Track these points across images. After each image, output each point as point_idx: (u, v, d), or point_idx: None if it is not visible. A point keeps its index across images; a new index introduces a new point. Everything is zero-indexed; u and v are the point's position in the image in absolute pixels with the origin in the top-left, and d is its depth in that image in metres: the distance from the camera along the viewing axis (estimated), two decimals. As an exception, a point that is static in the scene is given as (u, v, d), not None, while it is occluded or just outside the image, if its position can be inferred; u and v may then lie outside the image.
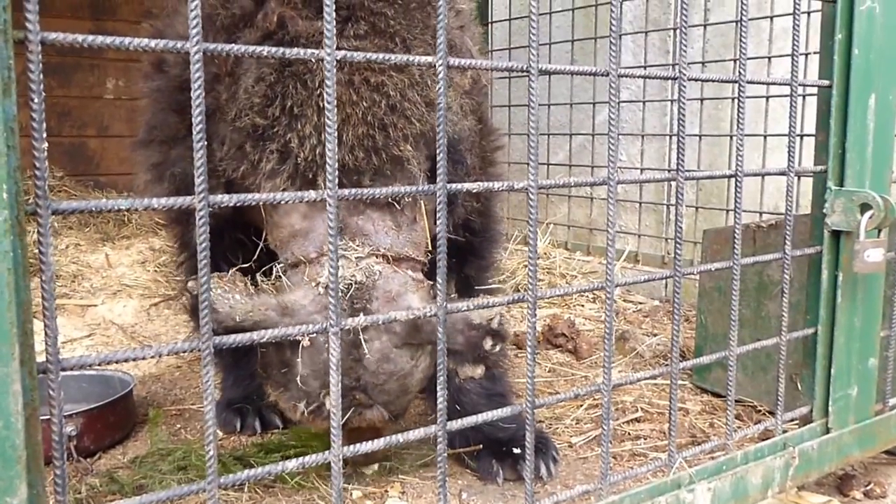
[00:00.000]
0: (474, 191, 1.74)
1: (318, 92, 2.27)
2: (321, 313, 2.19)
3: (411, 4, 2.39)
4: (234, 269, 2.33)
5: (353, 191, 1.53)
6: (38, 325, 1.27)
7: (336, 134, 1.44)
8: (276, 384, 2.35)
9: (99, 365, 1.30)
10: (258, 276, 2.38)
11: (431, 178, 2.46)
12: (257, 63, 2.32)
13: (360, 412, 2.31)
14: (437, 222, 1.60)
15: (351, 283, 2.23)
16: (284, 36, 2.29)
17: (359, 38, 2.31)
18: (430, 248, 2.47)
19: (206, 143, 1.29)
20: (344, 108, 2.28)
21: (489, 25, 6.78)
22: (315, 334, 1.56)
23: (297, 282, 2.27)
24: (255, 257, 2.50)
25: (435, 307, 1.65)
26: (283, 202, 1.46)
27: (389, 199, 2.36)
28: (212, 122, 2.48)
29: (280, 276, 2.34)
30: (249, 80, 2.32)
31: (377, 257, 2.30)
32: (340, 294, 2.20)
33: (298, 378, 2.25)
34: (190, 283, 2.23)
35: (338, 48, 2.20)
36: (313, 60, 2.18)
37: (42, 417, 1.25)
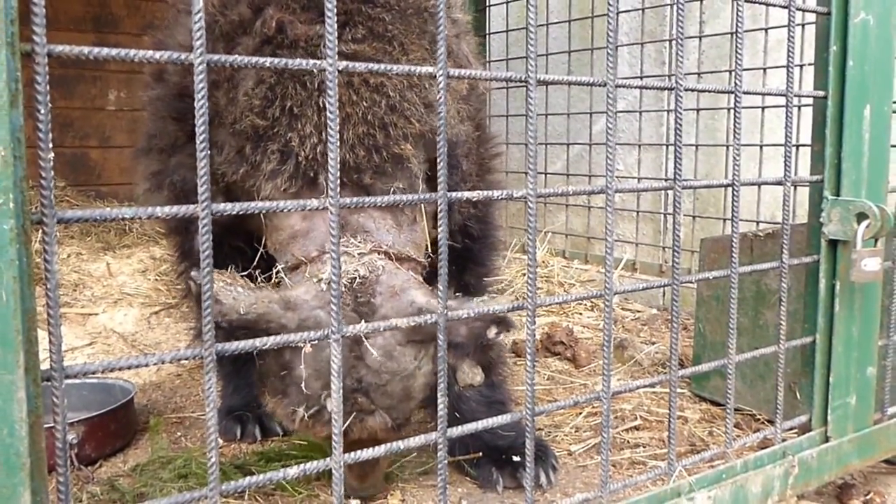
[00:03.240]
0: (474, 199, 1.74)
1: (318, 92, 2.28)
2: (324, 308, 2.14)
3: (408, 10, 2.41)
4: (232, 268, 2.31)
5: (355, 199, 1.54)
6: (40, 334, 1.27)
7: (338, 142, 1.45)
8: (275, 391, 2.29)
9: (102, 372, 1.30)
10: (259, 279, 2.37)
11: (430, 179, 2.47)
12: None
13: (361, 419, 2.24)
14: (439, 229, 1.60)
15: (354, 278, 2.20)
16: (283, 40, 2.30)
17: (356, 41, 2.32)
18: (429, 251, 2.46)
19: (209, 151, 1.30)
20: (344, 108, 2.29)
21: (487, 37, 6.79)
22: (317, 339, 1.54)
23: (299, 281, 2.25)
24: (255, 264, 2.49)
25: (436, 313, 1.65)
26: (284, 209, 1.45)
27: None
28: (210, 127, 2.48)
29: (281, 279, 2.32)
30: (249, 84, 2.33)
31: (379, 254, 2.29)
32: (344, 288, 2.19)
33: (299, 380, 2.19)
34: (194, 273, 2.15)
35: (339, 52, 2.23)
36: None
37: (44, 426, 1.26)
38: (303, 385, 2.18)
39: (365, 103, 2.31)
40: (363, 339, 2.18)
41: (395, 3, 2.41)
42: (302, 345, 2.13)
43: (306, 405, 2.21)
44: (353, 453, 1.57)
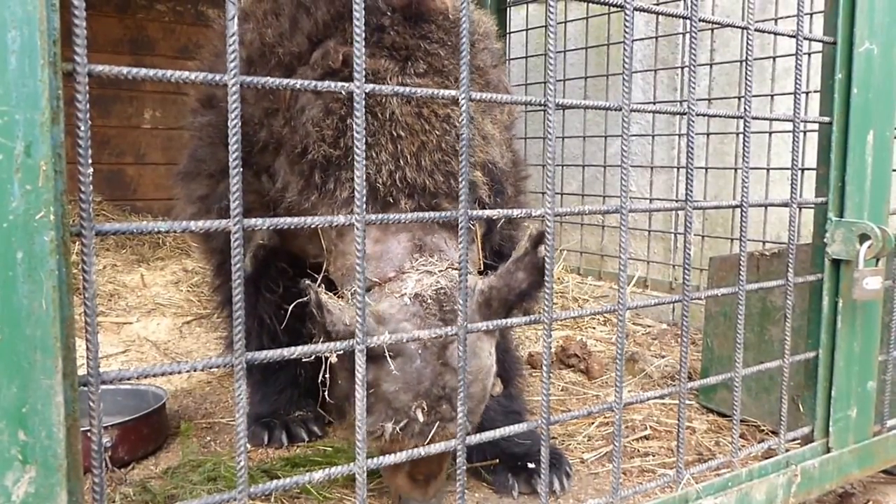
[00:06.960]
0: (494, 217, 1.74)
1: (390, 122, 2.30)
2: (410, 321, 2.14)
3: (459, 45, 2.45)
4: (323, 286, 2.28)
5: (380, 216, 1.54)
6: (77, 342, 1.28)
7: (364, 161, 1.45)
8: None
9: (137, 379, 1.31)
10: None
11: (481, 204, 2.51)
12: (319, 97, 2.33)
13: (443, 427, 2.17)
14: (459, 244, 1.60)
15: (439, 289, 2.20)
16: (351, 73, 2.31)
17: (419, 75, 2.36)
18: (481, 268, 2.48)
19: (241, 169, 1.30)
20: (419, 136, 2.32)
21: (507, 63, 6.80)
22: (345, 349, 1.54)
23: (378, 298, 2.22)
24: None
25: (456, 326, 1.65)
26: (312, 224, 1.45)
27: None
28: (266, 155, 2.50)
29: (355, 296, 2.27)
30: (315, 113, 2.34)
31: (453, 269, 2.29)
32: (430, 300, 2.18)
33: (385, 395, 2.13)
34: (308, 282, 2.05)
35: (402, 85, 2.28)
36: (382, 95, 2.22)
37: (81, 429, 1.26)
38: (390, 399, 2.13)
39: (437, 132, 2.33)
40: (448, 344, 2.15)
41: (447, 39, 2.44)
42: (330, 355, 2.10)
43: (395, 419, 2.14)
44: (375, 459, 1.56)
